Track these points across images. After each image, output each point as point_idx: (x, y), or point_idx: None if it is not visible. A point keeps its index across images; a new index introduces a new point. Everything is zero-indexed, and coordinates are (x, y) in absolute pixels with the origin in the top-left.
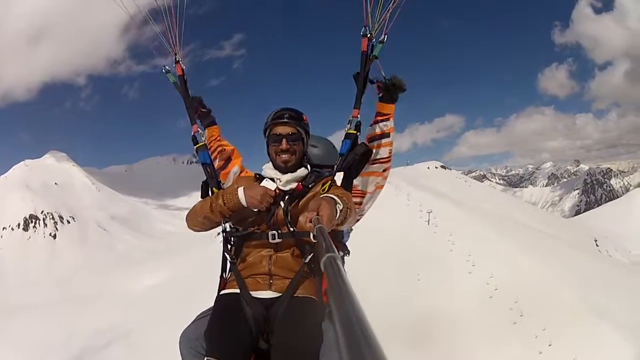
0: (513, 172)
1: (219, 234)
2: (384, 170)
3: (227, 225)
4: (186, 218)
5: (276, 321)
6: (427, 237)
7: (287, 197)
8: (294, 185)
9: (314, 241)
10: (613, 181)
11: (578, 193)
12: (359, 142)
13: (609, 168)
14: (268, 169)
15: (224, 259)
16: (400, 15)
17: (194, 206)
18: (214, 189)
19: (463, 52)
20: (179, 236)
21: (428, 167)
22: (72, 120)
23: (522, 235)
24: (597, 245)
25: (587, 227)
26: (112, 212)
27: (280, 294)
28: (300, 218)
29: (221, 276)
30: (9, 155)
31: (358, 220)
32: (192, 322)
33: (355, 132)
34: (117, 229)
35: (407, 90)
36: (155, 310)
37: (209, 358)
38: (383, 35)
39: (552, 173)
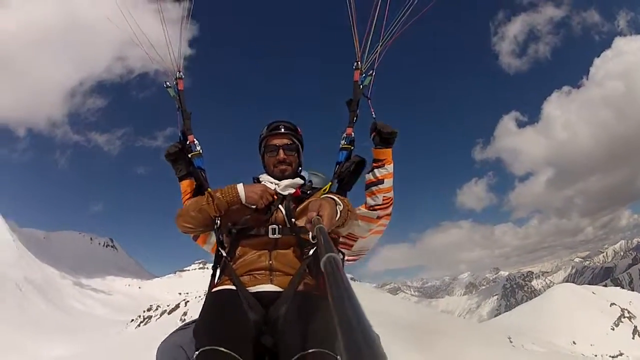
0: (429, 283)
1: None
2: (379, 218)
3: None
4: (176, 218)
5: (282, 316)
6: None
7: (284, 201)
8: (292, 190)
9: (313, 241)
10: (534, 282)
11: (497, 298)
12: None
13: (530, 271)
14: (265, 177)
15: (217, 259)
16: (387, 56)
17: (184, 206)
18: (209, 190)
19: None
20: (89, 316)
21: None
22: (3, 167)
23: (429, 340)
24: (511, 342)
25: (502, 326)
26: (27, 275)
27: (282, 289)
28: (298, 222)
29: (213, 275)
30: None
31: (356, 261)
32: (171, 334)
33: (349, 146)
34: (31, 292)
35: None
36: None
37: (206, 348)
38: (371, 71)
39: (470, 282)
